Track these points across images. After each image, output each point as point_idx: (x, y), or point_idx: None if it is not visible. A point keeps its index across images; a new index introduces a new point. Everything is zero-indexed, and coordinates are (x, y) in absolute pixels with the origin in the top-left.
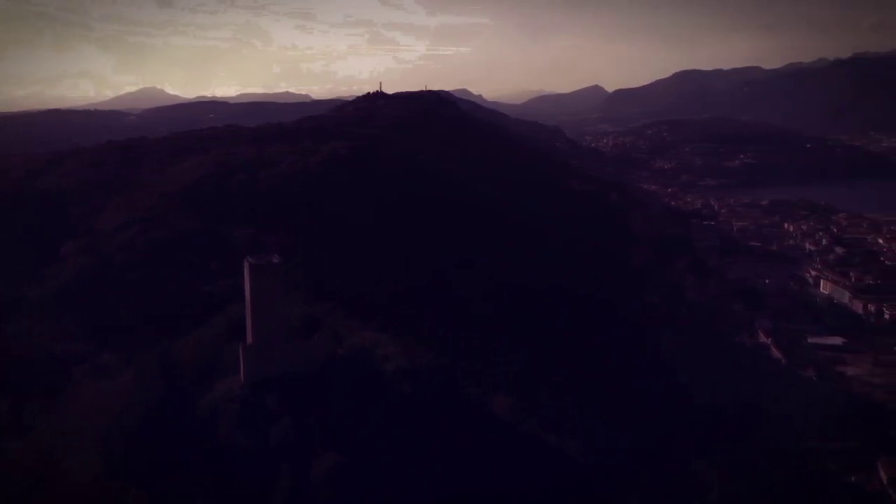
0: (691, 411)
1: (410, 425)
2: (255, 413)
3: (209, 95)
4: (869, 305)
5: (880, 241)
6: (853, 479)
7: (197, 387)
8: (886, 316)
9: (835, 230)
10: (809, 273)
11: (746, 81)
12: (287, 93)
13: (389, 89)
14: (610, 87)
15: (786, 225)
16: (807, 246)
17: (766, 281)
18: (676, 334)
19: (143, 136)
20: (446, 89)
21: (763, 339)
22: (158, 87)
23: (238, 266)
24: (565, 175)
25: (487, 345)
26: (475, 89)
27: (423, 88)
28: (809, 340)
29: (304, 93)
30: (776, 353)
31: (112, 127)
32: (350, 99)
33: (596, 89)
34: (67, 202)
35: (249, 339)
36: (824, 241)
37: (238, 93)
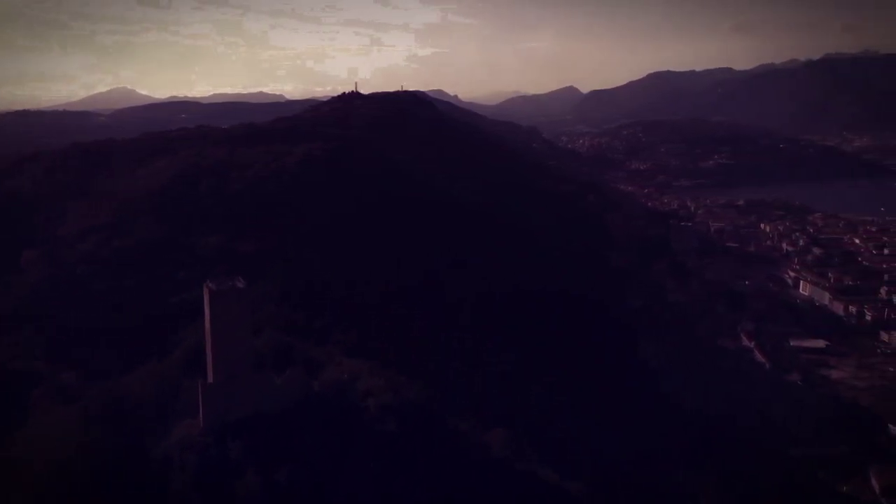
0: (679, 418)
1: (396, 474)
2: (215, 466)
3: (181, 96)
4: (850, 307)
5: (857, 241)
6: (845, 488)
7: (151, 430)
8: (868, 317)
9: (811, 230)
10: (788, 274)
11: (719, 82)
12: (261, 93)
13: (365, 89)
14: (585, 89)
15: (762, 225)
16: (784, 246)
17: (746, 282)
18: (661, 338)
19: (111, 137)
20: (422, 90)
21: (746, 342)
22: (130, 87)
23: (207, 274)
24: (543, 176)
25: (480, 346)
26: (451, 90)
27: (400, 88)
28: (792, 343)
29: (278, 93)
30: (760, 357)
31: (81, 128)
32: (325, 99)
33: (571, 90)
34: (29, 208)
35: (210, 376)
36: (801, 242)
37: (211, 93)
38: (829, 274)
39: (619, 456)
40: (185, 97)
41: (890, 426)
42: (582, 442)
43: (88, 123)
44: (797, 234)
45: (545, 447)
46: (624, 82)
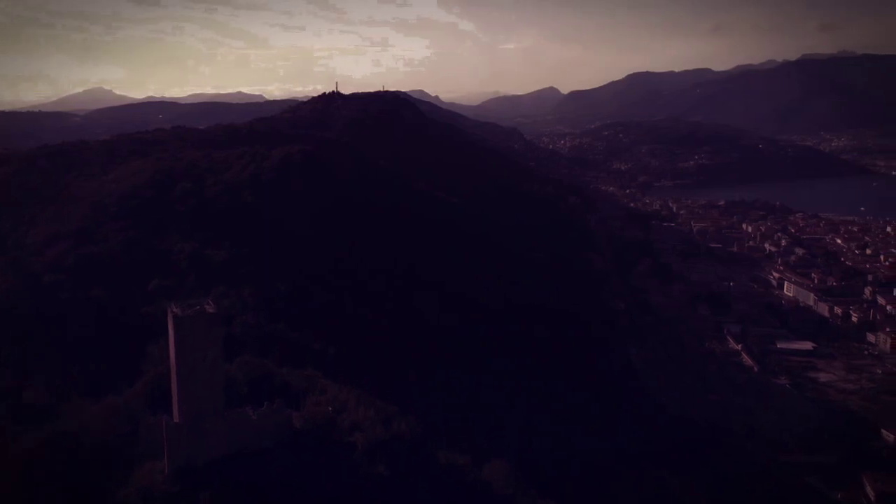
0: (668, 424)
1: None
2: None
3: (159, 96)
4: (836, 308)
5: (839, 241)
6: (839, 496)
7: (110, 474)
8: (854, 318)
9: (793, 230)
10: (772, 275)
11: (698, 83)
12: (240, 93)
13: (346, 89)
14: (565, 89)
15: (744, 226)
16: (766, 247)
17: (731, 284)
18: (647, 341)
19: (82, 139)
20: (403, 90)
21: (733, 345)
22: (107, 87)
23: (181, 283)
24: (526, 178)
25: (466, 356)
26: (432, 90)
27: (381, 89)
28: (779, 346)
29: (257, 93)
30: (748, 361)
31: (54, 129)
32: (305, 100)
33: (551, 91)
34: None
35: (176, 414)
36: (783, 242)
37: (189, 93)
38: (813, 274)
39: (610, 466)
40: (163, 98)
41: (882, 431)
42: (574, 454)
43: (62, 124)
44: (779, 234)
45: (542, 471)
46: (604, 83)
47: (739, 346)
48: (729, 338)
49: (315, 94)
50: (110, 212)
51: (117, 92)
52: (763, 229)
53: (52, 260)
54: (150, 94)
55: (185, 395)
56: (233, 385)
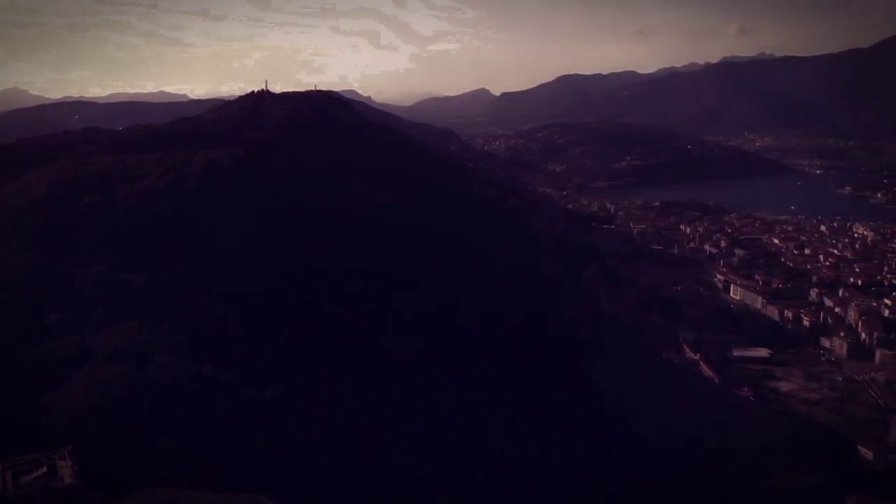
0: (638, 446)
1: None
2: None
3: (77, 96)
4: (786, 312)
5: (776, 241)
6: None
7: None
8: (806, 322)
9: (730, 231)
10: (717, 277)
11: (625, 85)
12: (162, 92)
13: (275, 89)
14: (496, 91)
15: (682, 227)
16: (707, 248)
17: (679, 288)
18: (605, 353)
19: None
20: (335, 90)
21: (690, 354)
22: (22, 87)
23: (88, 315)
24: (465, 179)
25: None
26: (363, 91)
27: (313, 88)
28: (735, 354)
29: (181, 92)
30: (707, 371)
31: None
32: (232, 99)
33: (482, 92)
34: None
35: None
36: (723, 243)
37: (108, 93)
38: (757, 276)
39: (595, 472)
40: (80, 97)
41: (860, 448)
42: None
43: None
44: (717, 235)
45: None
46: (534, 84)
47: (697, 356)
48: (685, 346)
49: (242, 94)
50: (3, 230)
51: (33, 92)
52: (701, 230)
53: None
54: (69, 94)
55: None
56: None
